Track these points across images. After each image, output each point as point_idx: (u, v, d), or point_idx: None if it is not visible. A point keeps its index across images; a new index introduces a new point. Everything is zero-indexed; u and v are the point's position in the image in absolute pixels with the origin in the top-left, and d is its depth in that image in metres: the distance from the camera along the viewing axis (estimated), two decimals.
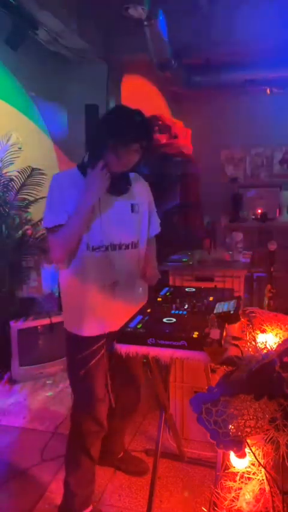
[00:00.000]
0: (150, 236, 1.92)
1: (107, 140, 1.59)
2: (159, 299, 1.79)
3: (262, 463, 1.21)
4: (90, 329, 1.71)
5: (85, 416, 1.75)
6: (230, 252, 2.59)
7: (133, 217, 1.75)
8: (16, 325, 3.17)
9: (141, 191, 1.82)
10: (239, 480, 1.28)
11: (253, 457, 1.22)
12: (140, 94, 4.89)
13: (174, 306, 1.68)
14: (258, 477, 1.25)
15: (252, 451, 1.20)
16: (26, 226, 3.56)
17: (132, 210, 1.75)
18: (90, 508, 1.82)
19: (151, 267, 1.91)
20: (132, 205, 1.74)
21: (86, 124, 3.65)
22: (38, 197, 3.48)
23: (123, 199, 1.71)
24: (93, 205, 1.62)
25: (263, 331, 1.55)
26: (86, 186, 1.61)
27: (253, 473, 1.26)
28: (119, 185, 1.68)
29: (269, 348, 1.41)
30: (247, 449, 1.19)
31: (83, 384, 1.73)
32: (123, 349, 1.43)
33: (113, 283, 1.71)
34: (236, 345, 1.38)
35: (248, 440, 1.18)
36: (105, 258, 1.68)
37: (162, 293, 1.89)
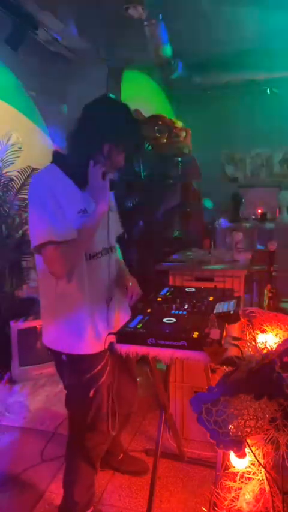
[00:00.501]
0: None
1: (104, 142, 1.51)
2: (159, 299, 1.79)
3: (262, 463, 1.21)
4: (96, 344, 1.59)
5: (90, 430, 1.67)
6: (230, 252, 2.59)
7: (112, 216, 1.67)
8: (16, 325, 3.17)
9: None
10: (239, 480, 1.28)
11: (253, 457, 1.22)
12: (140, 94, 4.89)
13: (174, 306, 1.67)
14: (258, 477, 1.25)
15: (252, 451, 1.20)
16: (26, 226, 3.56)
17: (110, 209, 1.65)
18: (91, 509, 1.81)
19: (124, 271, 1.82)
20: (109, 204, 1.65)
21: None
22: None
23: None
24: (83, 209, 1.51)
25: (263, 331, 1.55)
26: (98, 199, 1.50)
27: (253, 473, 1.26)
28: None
29: (269, 348, 1.41)
30: (247, 449, 1.19)
31: (91, 403, 1.63)
32: (123, 349, 1.43)
33: (109, 291, 1.65)
34: (236, 345, 1.38)
35: (248, 440, 1.18)
36: (100, 264, 1.61)
37: (162, 293, 1.88)
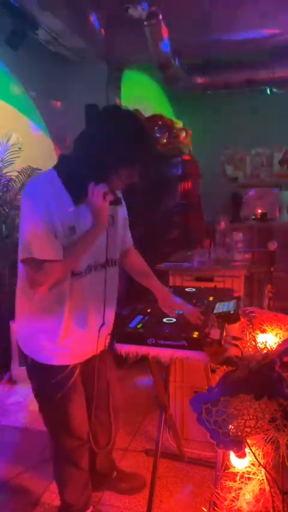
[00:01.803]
0: (129, 245, 1.80)
1: (117, 162, 1.41)
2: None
3: (262, 463, 1.21)
4: (59, 359, 1.54)
5: (65, 435, 1.64)
6: (230, 252, 2.59)
7: (110, 231, 1.56)
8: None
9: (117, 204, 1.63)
10: (239, 480, 1.28)
11: (253, 457, 1.22)
12: (140, 94, 4.89)
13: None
14: (258, 477, 1.25)
15: (252, 451, 1.20)
16: None
17: (110, 223, 1.57)
18: (91, 509, 1.80)
19: (155, 280, 1.73)
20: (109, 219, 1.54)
21: (86, 124, 3.64)
22: None
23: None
24: (72, 227, 1.43)
25: (263, 331, 1.55)
26: (96, 218, 1.42)
27: (253, 473, 1.26)
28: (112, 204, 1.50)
29: (269, 348, 1.41)
30: (247, 449, 1.19)
31: (59, 407, 1.59)
32: (123, 349, 1.43)
33: (103, 305, 1.57)
34: (236, 345, 1.38)
35: (248, 440, 1.18)
36: (89, 281, 1.53)
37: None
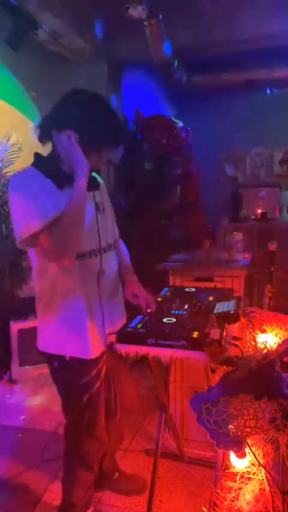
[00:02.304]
0: (116, 234, 1.80)
1: (94, 140, 1.44)
2: (159, 299, 1.79)
3: (262, 463, 1.21)
4: (95, 349, 1.56)
5: (86, 436, 1.65)
6: (230, 252, 2.59)
7: (100, 217, 1.60)
8: (16, 325, 3.17)
9: (102, 189, 1.69)
10: (239, 480, 1.28)
11: (253, 457, 1.22)
12: (140, 94, 4.89)
13: (174, 306, 1.68)
14: (258, 477, 1.25)
15: (252, 451, 1.20)
16: None
17: (98, 210, 1.60)
18: (91, 509, 1.80)
19: (129, 270, 1.77)
20: (97, 204, 1.60)
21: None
22: None
23: (88, 200, 1.51)
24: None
25: (263, 331, 1.55)
26: (74, 163, 1.42)
27: (253, 473, 1.26)
28: (92, 182, 1.54)
29: (269, 348, 1.41)
30: (247, 449, 1.19)
31: (86, 408, 1.60)
32: (123, 349, 1.43)
33: (100, 290, 1.59)
34: (236, 345, 1.38)
35: (248, 440, 1.18)
36: (91, 265, 1.55)
37: (162, 293, 1.89)
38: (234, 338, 1.44)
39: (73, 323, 1.54)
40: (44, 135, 1.52)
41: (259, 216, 5.16)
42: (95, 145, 1.47)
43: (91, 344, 1.55)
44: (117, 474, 2.03)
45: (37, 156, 1.55)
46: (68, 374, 1.58)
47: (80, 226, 1.44)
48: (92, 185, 1.55)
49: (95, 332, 1.56)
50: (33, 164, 1.52)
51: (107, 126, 1.47)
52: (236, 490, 1.26)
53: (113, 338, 1.49)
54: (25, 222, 1.41)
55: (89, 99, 1.51)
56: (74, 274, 1.51)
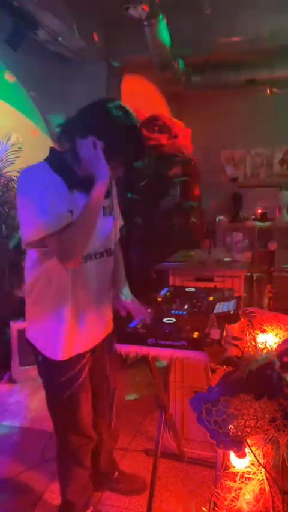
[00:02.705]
0: (116, 238, 1.75)
1: (117, 152, 1.44)
2: (159, 299, 1.79)
3: (262, 463, 1.21)
4: (73, 350, 1.56)
5: (72, 433, 1.65)
6: (230, 252, 2.59)
7: (105, 220, 1.58)
8: (16, 325, 3.17)
9: (112, 193, 1.67)
10: (239, 480, 1.28)
11: (253, 457, 1.22)
12: (140, 94, 4.89)
13: (174, 306, 1.68)
14: (258, 477, 1.25)
15: (252, 451, 1.20)
16: None
17: (104, 213, 1.57)
18: (91, 509, 1.80)
19: (121, 276, 1.77)
20: (103, 208, 1.55)
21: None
22: None
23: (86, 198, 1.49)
24: (70, 211, 1.42)
25: (263, 331, 1.55)
26: (96, 170, 1.40)
27: (253, 473, 1.26)
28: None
29: (269, 348, 1.42)
30: (247, 449, 1.19)
31: (68, 405, 1.60)
32: (123, 349, 1.43)
33: (94, 293, 1.58)
34: (236, 345, 1.38)
35: (248, 440, 1.18)
36: (86, 269, 1.53)
37: (162, 293, 1.89)
38: (234, 338, 1.44)
39: (53, 323, 1.53)
40: (65, 138, 1.50)
41: (259, 216, 5.17)
42: (117, 157, 1.46)
43: (64, 347, 1.53)
44: (116, 474, 2.03)
45: (53, 152, 1.52)
46: (49, 370, 1.60)
47: (91, 232, 1.43)
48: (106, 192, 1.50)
49: (72, 335, 1.54)
50: (47, 160, 1.50)
51: (131, 140, 1.47)
52: (236, 490, 1.26)
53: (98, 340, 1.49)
54: (34, 224, 1.37)
55: (118, 110, 1.46)
56: (69, 275, 1.49)
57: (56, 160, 1.48)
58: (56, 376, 1.57)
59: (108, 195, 1.55)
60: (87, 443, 1.70)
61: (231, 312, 1.56)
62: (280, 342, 1.44)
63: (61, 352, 1.53)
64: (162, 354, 1.39)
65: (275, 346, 1.41)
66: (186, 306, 1.67)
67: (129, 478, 2.06)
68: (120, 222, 1.75)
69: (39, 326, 1.57)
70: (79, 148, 1.43)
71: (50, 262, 1.47)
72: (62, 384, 1.57)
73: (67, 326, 1.52)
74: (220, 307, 1.63)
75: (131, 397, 2.68)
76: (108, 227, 1.61)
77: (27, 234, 1.40)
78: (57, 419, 1.67)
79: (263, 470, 1.22)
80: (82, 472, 1.73)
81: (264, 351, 1.39)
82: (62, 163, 1.47)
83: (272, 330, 1.55)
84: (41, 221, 1.36)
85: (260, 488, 1.23)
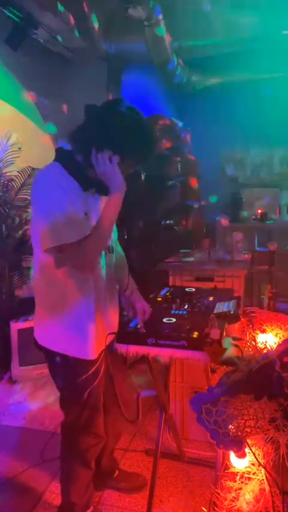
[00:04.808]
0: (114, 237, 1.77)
1: (118, 154, 1.43)
2: (159, 299, 1.79)
3: (262, 463, 1.21)
4: (96, 349, 1.57)
5: (84, 432, 1.65)
6: (230, 252, 2.59)
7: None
8: (16, 325, 3.17)
9: None
10: (239, 480, 1.28)
11: (253, 457, 1.22)
12: (140, 94, 4.89)
13: (174, 306, 1.68)
14: (258, 477, 1.25)
15: (252, 451, 1.20)
16: (26, 226, 3.56)
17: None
18: (91, 509, 1.80)
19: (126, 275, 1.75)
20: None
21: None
22: None
23: (99, 199, 1.53)
24: (86, 213, 1.45)
25: (263, 331, 1.56)
26: (111, 183, 1.42)
27: (253, 473, 1.26)
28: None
29: (269, 348, 1.42)
30: (247, 449, 1.19)
31: (85, 405, 1.61)
32: (123, 349, 1.43)
33: (104, 291, 1.59)
34: (236, 345, 1.38)
35: (248, 440, 1.18)
36: (101, 267, 1.56)
37: (162, 293, 1.89)
38: (234, 338, 1.44)
39: (77, 325, 1.54)
40: (78, 147, 1.49)
41: (259, 216, 5.17)
42: (131, 160, 1.49)
43: (92, 345, 1.55)
44: (117, 472, 2.04)
45: (63, 153, 1.52)
46: (69, 371, 1.58)
47: (106, 243, 1.49)
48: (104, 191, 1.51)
49: (97, 334, 1.56)
50: (59, 161, 1.49)
51: (145, 143, 1.49)
52: (236, 490, 1.27)
53: (112, 337, 1.50)
54: (53, 232, 1.38)
55: (131, 113, 1.47)
56: (89, 280, 1.52)
57: (69, 163, 1.48)
58: (76, 376, 1.56)
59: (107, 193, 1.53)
60: (97, 443, 1.70)
61: (231, 312, 1.56)
62: (280, 342, 1.45)
63: (91, 351, 1.55)
64: (162, 354, 1.39)
65: (275, 346, 1.41)
66: (186, 306, 1.67)
67: (129, 476, 2.07)
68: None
69: (58, 328, 1.55)
70: (94, 159, 1.42)
71: (65, 272, 1.49)
72: (80, 384, 1.57)
73: (90, 327, 1.54)
74: (220, 307, 1.63)
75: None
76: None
77: (45, 241, 1.40)
78: (71, 419, 1.66)
79: (263, 470, 1.22)
80: (86, 473, 1.73)
81: (264, 351, 1.39)
82: (76, 166, 1.47)
83: (272, 330, 1.56)
84: (60, 230, 1.37)
85: (260, 488, 1.23)
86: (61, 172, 1.45)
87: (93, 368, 1.57)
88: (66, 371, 1.59)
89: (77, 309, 1.53)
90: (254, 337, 1.53)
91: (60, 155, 1.52)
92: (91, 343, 1.55)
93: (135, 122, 1.46)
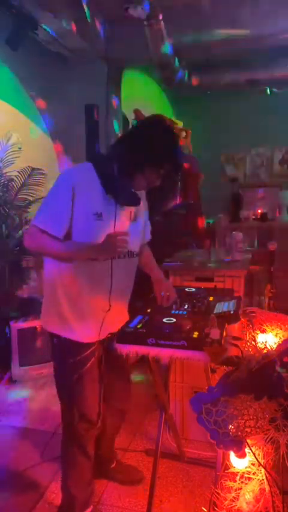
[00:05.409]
0: (145, 241, 1.92)
1: (147, 166, 1.57)
2: (159, 300, 1.79)
3: (262, 463, 1.21)
4: (84, 335, 1.65)
5: (75, 416, 1.70)
6: (230, 252, 2.59)
7: (131, 225, 1.70)
8: (16, 325, 3.17)
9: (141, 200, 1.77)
10: (239, 480, 1.28)
11: (253, 457, 1.22)
12: (140, 94, 4.90)
13: (174, 306, 1.68)
14: (258, 477, 1.25)
15: (252, 451, 1.20)
16: (26, 226, 3.56)
17: (130, 219, 1.70)
18: (91, 508, 1.81)
19: (156, 270, 1.87)
20: (130, 213, 1.70)
21: (86, 124, 3.64)
22: (38, 197, 3.48)
23: (125, 207, 1.66)
24: (99, 214, 1.56)
25: (263, 331, 1.56)
26: (105, 248, 1.53)
27: (253, 473, 1.26)
28: (133, 200, 1.64)
29: (269, 348, 1.42)
30: (247, 449, 1.19)
31: (73, 387, 1.68)
32: (123, 349, 1.43)
33: (109, 290, 1.64)
34: (236, 345, 1.38)
35: (248, 440, 1.18)
36: (102, 265, 1.61)
37: (162, 293, 1.88)
38: (234, 338, 1.44)
39: (74, 311, 1.64)
40: (116, 158, 1.60)
41: (259, 216, 5.16)
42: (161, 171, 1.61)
43: (87, 332, 1.65)
44: (115, 463, 2.09)
45: (99, 157, 1.71)
46: (60, 353, 1.69)
47: (65, 256, 1.61)
48: (132, 201, 1.64)
49: (94, 323, 1.64)
50: (92, 161, 1.62)
51: (176, 157, 1.62)
52: (236, 490, 1.27)
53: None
54: (43, 212, 1.57)
55: (168, 134, 1.63)
56: (86, 272, 1.61)
57: (100, 164, 1.60)
58: (67, 357, 1.65)
59: (134, 204, 1.66)
60: (90, 429, 1.73)
61: (231, 312, 1.56)
62: (280, 342, 1.45)
63: (81, 334, 1.64)
64: (162, 354, 1.39)
65: (275, 346, 1.41)
66: (186, 306, 1.67)
67: (127, 468, 2.12)
68: (147, 237, 1.94)
69: (55, 310, 1.66)
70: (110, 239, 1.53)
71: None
72: (71, 364, 1.65)
73: (87, 315, 1.64)
74: (220, 307, 1.63)
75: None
76: (134, 233, 1.69)
77: (38, 216, 1.57)
78: (63, 402, 1.73)
79: (263, 470, 1.22)
80: (84, 461, 1.75)
81: (264, 351, 1.39)
82: (105, 168, 1.59)
83: (272, 330, 1.56)
84: (44, 216, 1.56)
85: (260, 488, 1.23)
86: (87, 171, 1.58)
87: (84, 353, 1.65)
88: (57, 352, 1.70)
89: (75, 298, 1.63)
90: (254, 337, 1.53)
91: (96, 157, 1.67)
92: (85, 330, 1.64)
93: (170, 138, 1.61)
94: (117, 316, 1.70)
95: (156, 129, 1.61)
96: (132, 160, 1.56)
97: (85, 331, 1.65)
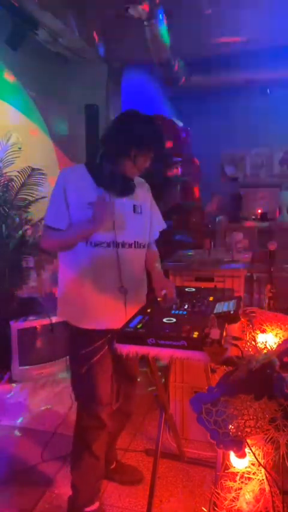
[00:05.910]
0: (152, 239, 1.94)
1: (128, 148, 1.67)
2: (159, 299, 1.79)
3: (262, 463, 1.21)
4: (88, 322, 1.71)
5: (84, 412, 1.75)
6: (230, 252, 2.59)
7: (135, 217, 1.78)
8: (16, 325, 3.17)
9: (143, 193, 1.86)
10: (239, 480, 1.28)
11: (253, 457, 1.22)
12: (140, 94, 4.90)
13: (174, 306, 1.68)
14: (258, 477, 1.25)
15: (252, 451, 1.20)
16: (26, 226, 3.56)
17: (134, 211, 1.78)
18: (97, 505, 1.81)
19: (157, 268, 1.91)
20: (134, 206, 1.78)
21: (86, 124, 3.64)
22: (38, 197, 3.48)
23: (125, 199, 1.75)
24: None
25: (263, 331, 1.56)
26: (94, 216, 1.62)
27: (253, 473, 1.26)
28: (125, 188, 1.73)
29: (269, 348, 1.42)
30: (247, 449, 1.19)
31: (84, 380, 1.72)
32: (123, 349, 1.43)
33: (116, 279, 1.72)
34: (236, 345, 1.38)
35: (248, 440, 1.18)
36: (107, 253, 1.70)
37: (163, 291, 1.88)
38: (234, 338, 1.44)
39: (77, 298, 1.72)
40: (101, 151, 1.76)
41: (259, 216, 5.16)
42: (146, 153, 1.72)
43: (88, 317, 1.71)
44: (115, 464, 2.10)
45: (90, 158, 1.80)
46: (71, 342, 1.78)
47: (68, 241, 1.73)
48: (126, 190, 1.75)
49: (103, 310, 1.71)
50: (85, 163, 1.77)
51: (155, 135, 1.75)
52: (236, 490, 1.27)
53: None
54: (49, 212, 1.73)
55: (136, 114, 1.76)
56: (90, 260, 1.69)
57: (91, 162, 1.77)
58: (79, 346, 1.71)
59: (128, 192, 1.76)
60: (96, 427, 1.75)
61: (231, 312, 1.56)
62: (280, 342, 1.45)
63: (86, 321, 1.70)
64: (162, 354, 1.39)
65: (275, 346, 1.41)
66: (186, 306, 1.67)
67: (127, 469, 2.12)
68: (162, 225, 1.98)
69: (66, 301, 1.77)
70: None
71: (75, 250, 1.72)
72: (81, 356, 1.70)
73: (90, 301, 1.71)
74: (220, 307, 1.63)
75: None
76: (136, 223, 1.79)
77: (46, 215, 1.73)
78: (76, 393, 1.78)
79: (263, 470, 1.22)
80: (90, 458, 1.76)
81: (264, 351, 1.39)
82: (94, 165, 1.74)
83: (272, 330, 1.56)
84: (50, 212, 1.71)
85: (260, 488, 1.23)
86: (77, 169, 1.74)
87: (93, 343, 1.70)
88: (70, 341, 1.79)
89: (76, 286, 1.72)
90: (254, 337, 1.53)
91: (88, 159, 1.78)
92: (88, 317, 1.70)
93: (148, 119, 1.74)
94: (127, 307, 1.74)
95: (133, 115, 1.74)
96: (118, 147, 1.68)
97: (90, 318, 1.70)
